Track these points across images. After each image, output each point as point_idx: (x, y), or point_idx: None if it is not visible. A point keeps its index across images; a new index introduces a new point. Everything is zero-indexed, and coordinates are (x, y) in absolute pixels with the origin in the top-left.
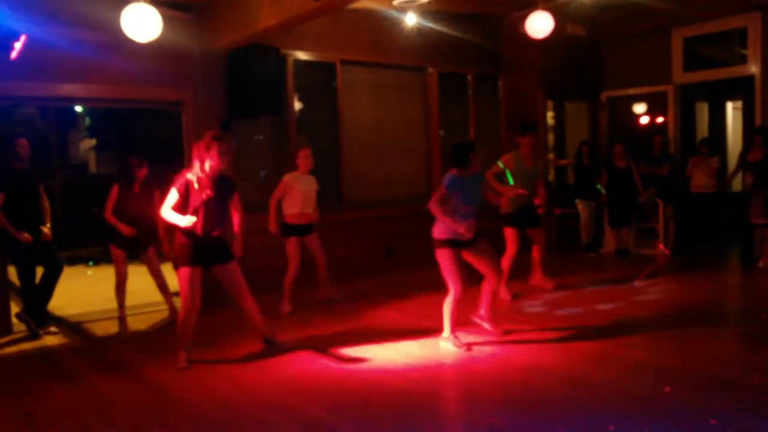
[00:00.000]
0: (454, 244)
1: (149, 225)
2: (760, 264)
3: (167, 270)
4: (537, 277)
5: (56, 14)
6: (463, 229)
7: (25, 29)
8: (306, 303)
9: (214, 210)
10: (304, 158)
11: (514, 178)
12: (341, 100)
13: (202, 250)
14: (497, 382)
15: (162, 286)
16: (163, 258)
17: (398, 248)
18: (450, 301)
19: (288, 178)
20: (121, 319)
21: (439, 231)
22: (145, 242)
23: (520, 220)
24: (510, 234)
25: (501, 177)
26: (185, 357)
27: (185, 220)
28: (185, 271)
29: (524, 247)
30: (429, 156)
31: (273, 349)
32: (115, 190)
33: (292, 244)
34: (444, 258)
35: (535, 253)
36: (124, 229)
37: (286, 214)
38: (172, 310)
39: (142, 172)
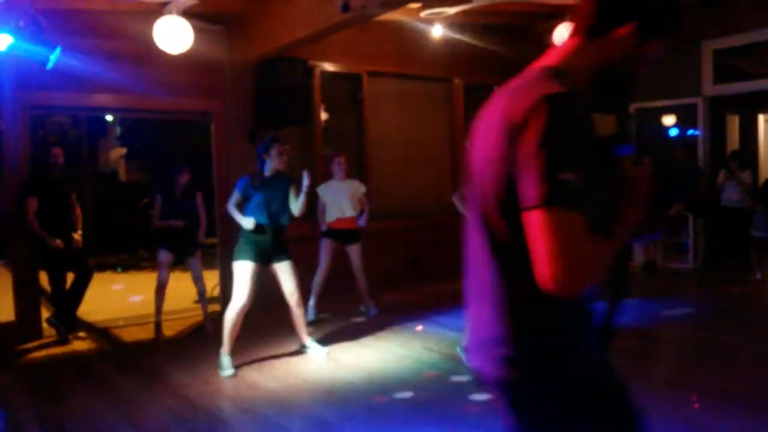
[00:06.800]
0: None
1: (194, 230)
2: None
3: (208, 277)
4: None
5: (91, 26)
6: None
7: (60, 41)
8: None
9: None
10: (337, 165)
11: None
12: (367, 110)
13: (262, 247)
14: None
15: (201, 293)
16: (206, 265)
17: (424, 259)
18: None
19: (320, 188)
20: (157, 324)
21: None
22: (191, 246)
23: None
24: None
25: None
26: (231, 362)
27: (246, 222)
28: (243, 264)
29: None
30: (454, 167)
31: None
32: (159, 200)
33: (323, 245)
34: None
35: None
36: (172, 224)
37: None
38: (207, 318)
39: (185, 178)
